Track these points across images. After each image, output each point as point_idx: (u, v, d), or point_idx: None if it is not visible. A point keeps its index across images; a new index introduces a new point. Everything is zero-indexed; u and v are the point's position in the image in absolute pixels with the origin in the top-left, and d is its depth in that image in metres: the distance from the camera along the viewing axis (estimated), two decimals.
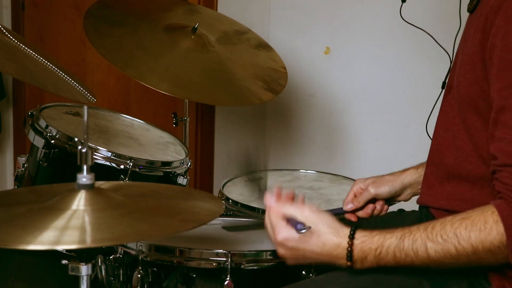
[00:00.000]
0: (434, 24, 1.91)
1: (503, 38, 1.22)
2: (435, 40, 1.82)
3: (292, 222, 1.32)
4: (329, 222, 1.32)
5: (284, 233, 1.32)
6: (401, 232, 1.26)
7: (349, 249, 1.28)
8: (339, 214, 1.66)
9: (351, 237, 1.29)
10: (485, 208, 1.20)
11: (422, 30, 1.82)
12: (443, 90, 1.54)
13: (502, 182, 1.21)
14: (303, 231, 1.29)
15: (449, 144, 1.40)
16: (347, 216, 1.67)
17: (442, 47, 1.71)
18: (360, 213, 1.68)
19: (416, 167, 1.68)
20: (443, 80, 1.77)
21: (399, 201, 1.72)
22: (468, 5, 1.44)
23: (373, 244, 1.27)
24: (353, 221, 1.66)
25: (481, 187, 1.34)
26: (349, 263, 1.29)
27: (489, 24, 1.25)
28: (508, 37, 1.21)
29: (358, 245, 1.28)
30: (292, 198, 1.40)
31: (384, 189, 1.67)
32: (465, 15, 1.46)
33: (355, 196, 1.68)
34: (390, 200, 1.70)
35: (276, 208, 1.35)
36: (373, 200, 1.67)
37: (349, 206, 1.67)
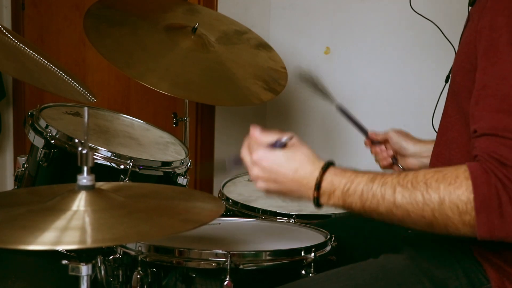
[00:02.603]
0: (442, 18, 1.91)
1: (491, 18, 1.22)
2: (443, 33, 1.82)
3: (272, 144, 1.31)
4: (308, 153, 1.31)
5: (260, 153, 1.30)
6: (374, 174, 1.25)
7: (319, 178, 1.27)
8: (362, 132, 1.83)
9: (324, 168, 1.28)
10: (459, 166, 1.18)
11: (432, 22, 1.82)
12: (446, 84, 1.55)
13: (479, 147, 1.19)
14: (284, 139, 1.29)
15: (447, 136, 1.41)
16: (365, 141, 1.82)
17: (449, 41, 1.71)
18: (373, 147, 1.82)
19: (428, 141, 1.72)
20: (447, 74, 1.79)
21: (404, 164, 1.77)
22: None
23: (343, 178, 1.26)
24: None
25: None
26: (315, 194, 1.27)
27: (482, 9, 1.25)
28: (495, 17, 1.21)
29: (329, 177, 1.27)
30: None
31: (398, 139, 1.77)
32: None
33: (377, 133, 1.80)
34: (396, 160, 1.78)
35: (258, 135, 1.34)
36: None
37: (370, 131, 1.80)
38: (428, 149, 1.68)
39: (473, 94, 1.23)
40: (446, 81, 1.56)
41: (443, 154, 1.43)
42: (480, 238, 1.16)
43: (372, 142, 1.83)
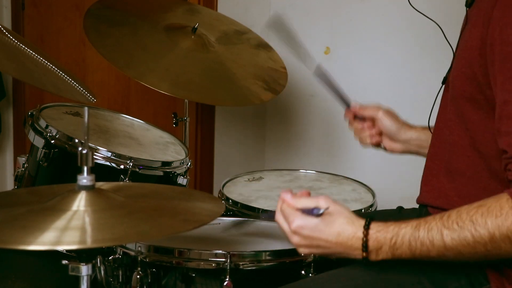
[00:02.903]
0: (442, 18, 1.91)
1: (501, 31, 1.22)
2: (443, 33, 1.82)
3: (307, 211, 1.30)
4: (345, 212, 1.30)
5: (299, 221, 1.29)
6: (416, 222, 1.25)
7: (364, 239, 1.26)
8: (344, 103, 1.71)
9: (366, 227, 1.27)
10: (500, 196, 1.19)
11: (432, 20, 1.82)
12: (443, 86, 1.55)
13: None
14: (321, 211, 1.28)
15: (446, 139, 1.41)
16: (345, 112, 1.72)
17: (448, 42, 1.71)
18: (354, 123, 1.74)
19: (423, 128, 1.70)
20: (445, 75, 1.78)
21: (386, 149, 1.75)
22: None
23: (388, 233, 1.26)
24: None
25: (477, 181, 1.34)
26: (364, 254, 1.27)
27: (487, 17, 1.25)
28: (505, 30, 1.21)
29: (373, 235, 1.26)
30: (308, 194, 1.36)
31: (389, 124, 1.71)
32: None
33: (363, 107, 1.72)
34: (384, 136, 1.73)
35: (290, 200, 1.32)
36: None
37: (353, 105, 1.71)
38: (418, 137, 1.68)
39: (496, 109, 1.24)
40: (443, 83, 1.55)
41: (441, 156, 1.43)
42: None
43: (355, 116, 1.75)
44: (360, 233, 1.27)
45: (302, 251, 1.33)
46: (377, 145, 1.77)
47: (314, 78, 1.74)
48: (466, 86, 1.31)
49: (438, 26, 1.83)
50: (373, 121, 1.74)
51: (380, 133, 1.75)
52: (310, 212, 1.30)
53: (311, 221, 1.29)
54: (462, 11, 1.49)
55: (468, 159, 1.35)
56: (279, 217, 1.33)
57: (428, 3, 2.01)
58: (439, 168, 1.43)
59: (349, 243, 1.28)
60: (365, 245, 1.27)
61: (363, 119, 1.75)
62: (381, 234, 1.26)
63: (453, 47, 1.53)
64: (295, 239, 1.31)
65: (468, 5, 1.43)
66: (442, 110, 1.48)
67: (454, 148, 1.38)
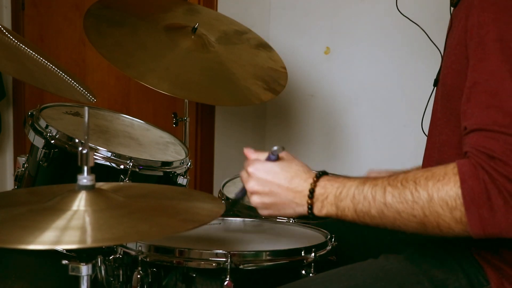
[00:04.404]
0: (427, 21, 1.92)
1: (478, 15, 1.22)
2: (428, 36, 1.83)
3: (267, 158, 1.34)
4: (301, 164, 1.33)
5: (256, 164, 1.33)
6: (365, 178, 1.26)
7: (312, 184, 1.28)
8: None
9: (318, 175, 1.30)
10: (448, 164, 1.18)
11: (417, 25, 1.82)
12: (434, 88, 1.55)
13: (468, 143, 1.18)
14: (275, 148, 1.31)
15: (436, 139, 1.41)
16: None
17: (434, 44, 1.72)
18: None
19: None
20: (435, 77, 1.78)
21: None
22: None
23: (336, 183, 1.27)
24: None
25: None
26: (309, 201, 1.28)
27: (469, 9, 1.25)
28: (482, 13, 1.21)
29: (322, 182, 1.28)
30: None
31: None
32: None
33: None
34: None
35: (252, 154, 1.37)
36: None
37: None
38: None
39: (464, 91, 1.22)
40: (435, 85, 1.55)
41: (434, 157, 1.43)
42: (474, 235, 1.14)
43: None
44: (310, 179, 1.29)
45: (255, 200, 1.33)
46: None
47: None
48: (456, 82, 1.31)
49: (421, 29, 1.84)
50: None
51: None
52: (268, 158, 1.33)
53: (267, 164, 1.32)
54: (447, 14, 1.50)
55: (459, 158, 1.34)
56: (242, 171, 1.36)
57: (415, 7, 2.03)
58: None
59: (298, 189, 1.29)
60: (312, 191, 1.28)
61: None
62: (329, 183, 1.28)
63: (439, 48, 1.53)
64: (250, 184, 1.33)
65: (454, 5, 1.43)
66: (433, 111, 1.48)
67: (444, 148, 1.38)
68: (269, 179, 1.31)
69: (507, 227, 1.12)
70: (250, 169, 1.33)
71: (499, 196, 1.11)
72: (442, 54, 1.49)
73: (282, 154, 1.34)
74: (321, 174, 1.30)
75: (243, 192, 1.40)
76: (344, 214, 1.26)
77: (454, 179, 1.14)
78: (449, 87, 1.34)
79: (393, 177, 1.22)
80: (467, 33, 1.25)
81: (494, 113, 1.15)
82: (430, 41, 1.95)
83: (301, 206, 1.30)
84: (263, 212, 1.35)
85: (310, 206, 1.28)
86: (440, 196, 1.15)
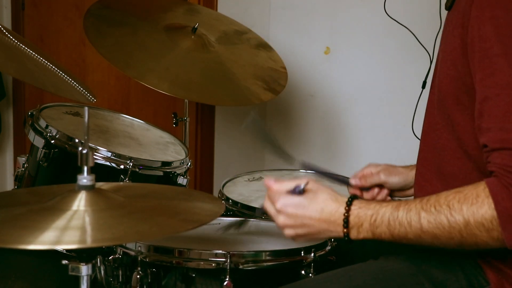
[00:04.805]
0: (416, 23, 1.92)
1: (479, 28, 1.23)
2: (417, 38, 1.83)
3: (291, 191, 1.33)
4: (328, 190, 1.33)
5: (283, 200, 1.32)
6: (397, 203, 1.26)
7: (346, 214, 1.28)
8: (343, 182, 1.68)
9: (349, 203, 1.29)
10: (478, 184, 1.20)
11: (405, 26, 1.83)
12: (423, 90, 1.55)
13: (493, 162, 1.20)
14: (302, 186, 1.31)
15: (434, 144, 1.41)
16: (350, 191, 1.67)
17: (423, 46, 1.72)
18: (364, 195, 1.68)
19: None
20: (423, 79, 1.78)
21: (404, 196, 1.71)
22: (446, 2, 1.45)
23: (369, 210, 1.27)
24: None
25: (470, 183, 1.34)
26: (345, 230, 1.28)
27: (466, 17, 1.26)
28: (483, 26, 1.22)
29: (355, 211, 1.28)
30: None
31: (395, 180, 1.68)
32: (445, 14, 1.47)
33: (364, 176, 1.68)
34: (395, 191, 1.70)
35: (274, 185, 1.35)
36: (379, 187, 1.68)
37: (354, 181, 1.67)
38: (411, 177, 1.65)
39: (476, 107, 1.24)
40: (423, 87, 1.55)
41: (432, 161, 1.42)
42: (510, 248, 1.18)
43: (361, 189, 1.70)
44: (342, 209, 1.29)
45: (288, 232, 1.33)
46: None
47: (303, 171, 1.72)
48: (452, 88, 1.31)
49: (410, 31, 1.84)
50: (380, 185, 1.71)
51: (388, 192, 1.71)
52: (293, 191, 1.32)
53: (295, 199, 1.32)
54: (436, 15, 1.50)
55: (459, 162, 1.35)
56: (266, 202, 1.35)
57: (403, 10, 2.03)
58: (431, 173, 1.43)
59: (331, 219, 1.29)
60: (346, 221, 1.28)
61: (368, 188, 1.70)
62: (362, 211, 1.28)
63: (428, 50, 1.53)
64: (281, 219, 1.32)
65: (448, 8, 1.43)
66: (428, 114, 1.48)
67: (444, 152, 1.38)
68: (300, 214, 1.31)
69: None
70: (278, 205, 1.32)
71: None
72: (430, 56, 1.50)
73: (307, 186, 1.33)
74: (351, 201, 1.30)
75: (262, 212, 1.39)
76: (381, 238, 1.27)
77: (488, 201, 1.17)
78: (444, 93, 1.34)
79: (425, 201, 1.23)
80: (467, 44, 1.25)
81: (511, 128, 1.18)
82: (416, 41, 1.95)
83: (336, 233, 1.30)
84: (298, 240, 1.36)
85: (347, 234, 1.29)
86: (476, 219, 1.18)
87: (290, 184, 1.34)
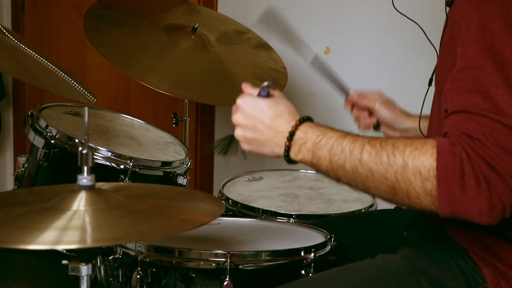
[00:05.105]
0: (423, 19, 1.92)
1: (465, 6, 1.24)
2: (425, 34, 1.83)
3: (258, 94, 1.35)
4: (289, 105, 1.33)
5: (245, 98, 1.34)
6: (347, 132, 1.27)
7: (294, 127, 1.29)
8: (343, 91, 1.79)
9: (302, 120, 1.30)
10: (428, 138, 1.20)
11: (414, 22, 1.83)
12: (429, 87, 1.56)
13: (449, 124, 1.19)
14: (265, 84, 1.33)
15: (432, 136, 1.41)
16: (345, 103, 1.78)
17: (430, 42, 1.73)
18: (354, 111, 1.79)
19: (415, 117, 1.72)
20: (430, 76, 1.79)
21: (386, 134, 1.77)
22: None
23: (317, 131, 1.28)
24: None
25: None
26: (287, 143, 1.28)
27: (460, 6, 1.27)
28: (468, 5, 1.23)
29: (304, 127, 1.29)
30: None
31: (384, 113, 1.74)
32: None
33: (363, 95, 1.76)
34: (383, 125, 1.78)
35: (249, 89, 1.38)
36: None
37: (352, 94, 1.75)
38: (415, 127, 1.70)
39: (450, 76, 1.23)
40: (429, 84, 1.56)
41: None
42: (440, 211, 1.14)
43: (353, 107, 1.81)
44: (293, 122, 1.30)
45: (237, 132, 1.36)
46: (376, 129, 1.82)
47: (312, 68, 1.75)
48: (448, 77, 1.31)
49: (419, 27, 1.85)
50: (371, 110, 1.79)
51: (374, 122, 1.80)
52: (259, 94, 1.35)
53: (256, 100, 1.34)
54: (443, 13, 1.51)
55: None
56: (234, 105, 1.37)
57: (412, 5, 2.03)
58: None
59: (279, 129, 1.30)
60: (292, 133, 1.28)
61: (362, 107, 1.79)
62: (311, 129, 1.28)
63: (436, 47, 1.54)
64: (236, 116, 1.35)
65: (449, 4, 1.44)
66: (432, 111, 1.48)
67: None
68: (254, 114, 1.32)
69: (474, 209, 1.12)
70: (239, 101, 1.34)
71: (472, 176, 1.11)
72: (437, 53, 1.50)
73: (274, 92, 1.35)
74: (305, 119, 1.30)
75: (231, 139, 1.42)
76: (319, 163, 1.26)
77: (432, 151, 1.15)
78: (442, 83, 1.35)
79: (374, 138, 1.23)
80: (454, 24, 1.26)
81: (475, 96, 1.16)
82: (424, 39, 1.96)
83: (279, 147, 1.30)
84: (244, 146, 1.37)
85: (287, 148, 1.29)
86: (415, 164, 1.15)
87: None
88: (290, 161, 1.30)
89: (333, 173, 1.25)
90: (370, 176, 1.20)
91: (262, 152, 1.34)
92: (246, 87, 1.39)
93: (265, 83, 1.33)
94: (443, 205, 1.13)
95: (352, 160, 1.22)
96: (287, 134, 1.29)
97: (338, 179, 1.25)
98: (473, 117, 1.15)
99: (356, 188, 1.25)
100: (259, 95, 1.35)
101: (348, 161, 1.22)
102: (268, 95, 1.34)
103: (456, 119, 1.17)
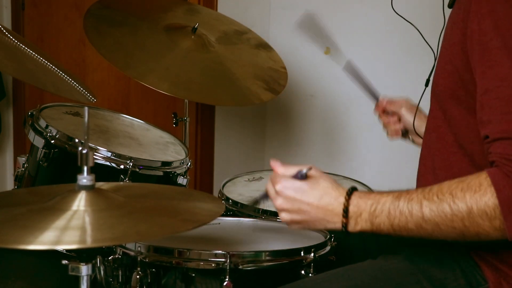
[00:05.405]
0: (420, 20, 1.93)
1: (479, 22, 1.23)
2: (421, 35, 1.84)
3: (294, 176, 1.32)
4: (330, 180, 1.32)
5: (284, 182, 1.31)
6: (398, 192, 1.26)
7: (345, 203, 1.27)
8: (373, 96, 1.85)
9: (349, 192, 1.28)
10: (480, 173, 1.20)
11: (411, 23, 1.84)
12: (426, 88, 1.56)
13: (494, 152, 1.20)
14: (304, 171, 1.30)
15: (431, 138, 1.41)
16: (375, 108, 1.85)
17: (428, 43, 1.73)
18: (383, 117, 1.85)
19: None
20: (427, 77, 1.81)
21: (414, 143, 1.81)
22: (449, 0, 1.46)
23: (369, 200, 1.26)
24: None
25: None
26: (344, 220, 1.27)
27: (466, 13, 1.26)
28: (483, 20, 1.23)
29: (355, 200, 1.27)
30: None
31: (411, 120, 1.75)
32: (449, 12, 1.47)
33: (392, 102, 1.82)
34: (407, 133, 1.83)
35: (278, 168, 1.35)
36: None
37: (382, 99, 1.81)
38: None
39: (477, 99, 1.24)
40: (426, 85, 1.57)
41: (428, 156, 1.43)
42: (511, 239, 1.17)
43: (383, 110, 1.86)
44: (342, 198, 1.28)
45: (284, 216, 1.32)
46: (398, 137, 1.86)
47: (344, 73, 1.81)
48: (448, 83, 1.32)
49: (416, 29, 1.85)
50: (399, 116, 1.82)
51: (400, 129, 1.85)
52: (295, 176, 1.31)
53: (296, 183, 1.30)
54: (440, 13, 1.51)
55: (455, 156, 1.35)
56: (268, 184, 1.35)
57: (410, 7, 2.04)
58: (426, 168, 1.43)
59: (330, 207, 1.28)
60: (345, 210, 1.27)
61: (390, 113, 1.84)
62: (362, 200, 1.27)
63: (433, 48, 1.54)
64: (278, 201, 1.31)
65: (450, 5, 1.44)
66: (429, 112, 1.49)
67: (438, 146, 1.38)
68: (298, 198, 1.30)
69: None
70: (278, 187, 1.31)
71: None
72: (435, 54, 1.51)
73: (310, 172, 1.32)
74: (351, 191, 1.29)
75: (264, 197, 1.39)
76: (379, 229, 1.26)
77: (490, 189, 1.17)
78: (441, 87, 1.35)
79: (427, 190, 1.23)
80: (467, 38, 1.26)
81: None
82: (421, 40, 1.98)
83: (333, 223, 1.29)
84: (292, 227, 1.35)
85: (345, 225, 1.28)
86: (479, 207, 1.17)
87: (295, 169, 1.33)
88: (348, 233, 1.29)
89: (396, 234, 1.25)
90: (437, 229, 1.21)
91: (314, 229, 1.38)
92: (277, 167, 1.36)
93: (304, 171, 1.30)
94: None
95: (414, 220, 1.22)
96: (339, 212, 1.27)
97: (402, 237, 1.26)
98: None
99: (422, 238, 1.26)
100: (296, 177, 1.32)
101: (410, 221, 1.22)
102: (305, 176, 1.31)
103: (501, 147, 1.19)
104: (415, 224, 1.22)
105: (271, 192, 1.33)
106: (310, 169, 1.31)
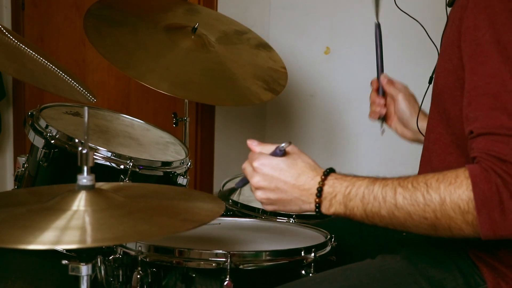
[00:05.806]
0: (424, 18, 1.93)
1: (474, 17, 1.22)
2: (427, 33, 1.84)
3: (271, 153, 1.31)
4: (308, 160, 1.31)
5: (261, 159, 1.30)
6: (374, 178, 1.25)
7: (321, 182, 1.26)
8: (379, 69, 1.79)
9: (326, 173, 1.28)
10: (459, 168, 1.18)
11: (416, 20, 1.84)
12: (429, 86, 1.56)
13: (476, 148, 1.18)
14: (283, 145, 1.29)
15: (430, 139, 1.41)
16: (373, 84, 1.78)
17: (432, 41, 1.73)
18: (373, 93, 1.78)
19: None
20: (430, 75, 1.80)
21: (397, 133, 1.79)
22: None
23: (344, 182, 1.25)
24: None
25: None
26: (317, 200, 1.26)
27: (463, 10, 1.25)
28: (478, 15, 1.21)
29: (330, 181, 1.26)
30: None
31: (405, 108, 1.73)
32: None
33: (392, 82, 1.76)
34: (384, 119, 1.79)
35: (256, 146, 1.34)
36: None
37: (382, 78, 1.75)
38: (414, 121, 1.69)
39: (464, 95, 1.22)
40: (430, 82, 1.56)
41: (427, 157, 1.43)
42: (484, 237, 1.14)
43: (377, 89, 1.79)
44: (318, 178, 1.27)
45: (259, 195, 1.31)
46: (375, 118, 1.80)
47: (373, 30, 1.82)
48: (447, 82, 1.31)
49: (422, 26, 1.85)
50: (392, 100, 1.77)
51: (395, 116, 1.78)
52: (273, 153, 1.30)
53: (274, 160, 1.29)
54: (443, 11, 1.51)
55: (452, 156, 1.34)
56: (245, 163, 1.34)
57: (413, 4, 2.04)
58: (425, 169, 1.43)
59: (305, 186, 1.27)
60: (319, 189, 1.26)
61: (384, 94, 1.78)
62: (338, 182, 1.26)
63: (437, 46, 1.54)
64: (255, 179, 1.30)
65: (450, 4, 1.44)
66: (429, 111, 1.48)
67: (435, 146, 1.38)
68: (275, 176, 1.28)
69: None
70: (256, 163, 1.30)
71: (510, 200, 1.12)
72: (439, 51, 1.50)
73: (289, 149, 1.31)
74: (328, 172, 1.28)
75: (244, 182, 1.39)
76: (352, 213, 1.25)
77: (466, 182, 1.14)
78: (440, 86, 1.34)
79: (403, 178, 1.21)
80: (461, 35, 1.25)
81: (499, 115, 1.15)
82: (429, 39, 1.97)
83: (308, 204, 1.28)
84: (267, 207, 1.33)
85: (318, 205, 1.27)
86: (453, 199, 1.15)
87: (273, 147, 1.32)
88: (321, 215, 1.28)
89: (368, 221, 1.24)
90: (409, 218, 1.19)
91: (289, 210, 1.32)
92: (253, 145, 1.35)
93: (282, 145, 1.29)
94: (485, 231, 1.14)
95: (387, 206, 1.21)
96: (314, 191, 1.26)
97: (374, 225, 1.25)
98: (501, 139, 1.14)
99: (394, 229, 1.24)
100: (274, 154, 1.31)
101: (383, 207, 1.21)
102: (284, 154, 1.30)
103: (483, 142, 1.16)
104: (387, 211, 1.21)
105: (248, 170, 1.32)
106: (289, 144, 1.29)
